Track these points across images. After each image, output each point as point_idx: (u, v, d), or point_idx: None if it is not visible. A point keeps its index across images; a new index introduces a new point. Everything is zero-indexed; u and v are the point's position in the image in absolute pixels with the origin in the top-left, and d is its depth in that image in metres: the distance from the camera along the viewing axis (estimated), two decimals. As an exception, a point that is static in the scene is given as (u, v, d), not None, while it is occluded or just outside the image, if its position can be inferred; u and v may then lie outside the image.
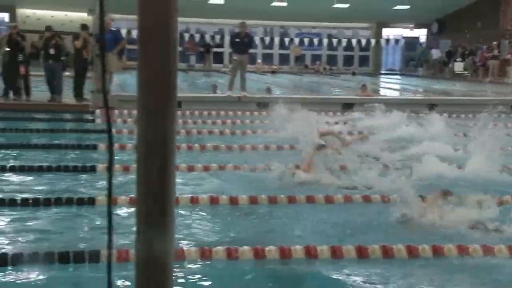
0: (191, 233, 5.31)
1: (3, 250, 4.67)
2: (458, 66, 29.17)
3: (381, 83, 27.53)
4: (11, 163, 7.73)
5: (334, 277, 4.48)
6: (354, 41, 32.81)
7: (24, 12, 29.25)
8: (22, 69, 13.66)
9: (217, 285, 4.35)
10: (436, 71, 31.07)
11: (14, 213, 5.74)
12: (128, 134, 9.88)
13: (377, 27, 34.18)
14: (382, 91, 21.65)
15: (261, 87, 18.04)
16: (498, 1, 28.86)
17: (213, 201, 6.19)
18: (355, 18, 31.93)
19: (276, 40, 32.52)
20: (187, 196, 6.16)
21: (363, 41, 32.84)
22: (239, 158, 8.31)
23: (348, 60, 34.87)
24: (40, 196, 6.14)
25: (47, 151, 8.75)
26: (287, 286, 4.45)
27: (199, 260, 4.58)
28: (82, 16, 24.99)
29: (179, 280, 4.17)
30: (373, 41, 32.90)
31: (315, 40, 32.64)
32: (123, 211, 5.66)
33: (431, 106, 14.48)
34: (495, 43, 26.76)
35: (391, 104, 12.08)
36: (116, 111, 11.72)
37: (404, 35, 35.25)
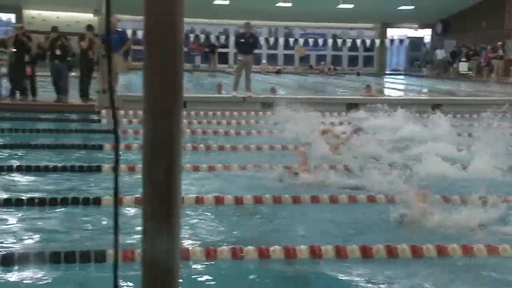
0: (196, 233, 5.33)
1: (9, 250, 4.70)
2: (463, 66, 29.11)
3: (385, 83, 27.50)
4: (18, 163, 7.76)
5: (338, 277, 4.49)
6: (358, 42, 32.78)
7: (30, 13, 29.35)
8: (28, 70, 13.72)
9: (222, 285, 4.36)
10: (440, 71, 31.02)
11: (20, 212, 5.77)
12: (134, 134, 9.94)
13: (382, 27, 34.14)
14: (387, 91, 21.64)
15: (266, 88, 18.05)
16: (502, 1, 28.77)
17: (218, 201, 6.21)
18: (359, 18, 31.90)
19: (281, 40, 32.52)
20: (192, 196, 6.18)
21: (368, 42, 32.82)
22: (244, 158, 8.33)
23: (353, 61, 34.84)
24: (46, 196, 6.17)
25: (53, 151, 8.79)
26: (291, 286, 4.46)
27: (204, 260, 4.59)
28: (88, 17, 25.07)
29: (184, 280, 4.19)
30: (377, 41, 32.86)
31: (320, 41, 32.62)
32: (128, 211, 5.70)
33: (436, 106, 14.46)
34: (499, 43, 26.70)
35: (395, 104, 12.06)
36: (122, 111, 11.76)
37: (408, 35, 35.21)
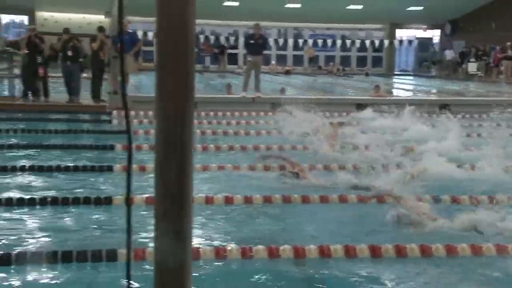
0: (206, 232, 5.36)
1: (21, 249, 4.74)
2: (472, 67, 29.00)
3: (394, 83, 27.44)
4: (30, 163, 7.82)
5: (347, 276, 4.50)
6: (367, 42, 32.74)
7: (43, 15, 29.60)
8: (41, 71, 13.85)
9: (231, 284, 4.39)
10: (450, 72, 30.91)
11: (33, 212, 5.84)
12: (144, 135, 10.02)
13: (391, 28, 34.08)
14: (395, 92, 21.61)
15: (275, 88, 18.09)
16: (511, 2, 28.63)
17: (228, 200, 6.24)
18: (368, 19, 31.86)
19: (290, 41, 32.54)
20: (202, 196, 6.23)
21: (377, 42, 32.76)
22: (253, 158, 8.37)
23: (362, 61, 34.80)
24: (59, 196, 6.25)
25: (65, 151, 8.87)
26: (301, 285, 4.49)
27: (213, 259, 4.63)
28: (99, 18, 25.27)
29: (194, 279, 4.22)
30: (386, 42, 32.80)
31: (329, 41, 32.60)
32: (139, 211, 5.75)
33: (444, 106, 14.44)
34: (508, 43, 26.56)
35: (404, 105, 12.07)
36: (132, 112, 11.85)
37: (417, 36, 35.11)
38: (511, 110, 9.75)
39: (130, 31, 15.25)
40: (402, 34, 34.76)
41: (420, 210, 5.64)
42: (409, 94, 21.67)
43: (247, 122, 12.27)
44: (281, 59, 33.26)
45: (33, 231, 5.32)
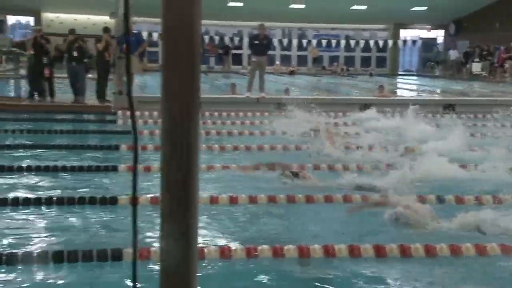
0: (211, 232, 5.38)
1: (27, 249, 4.77)
2: (476, 67, 28.95)
3: (398, 84, 27.42)
4: (36, 163, 7.86)
5: (352, 276, 4.52)
6: (371, 42, 32.70)
7: (48, 16, 29.73)
8: (46, 72, 13.91)
9: (236, 284, 4.41)
10: (454, 72, 30.86)
11: (38, 211, 5.87)
12: (149, 135, 10.06)
13: (395, 28, 34.05)
14: (399, 92, 21.60)
15: (280, 88, 18.10)
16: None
17: (232, 200, 6.26)
18: (372, 19, 31.83)
19: (294, 41, 32.54)
20: (206, 196, 6.25)
21: (381, 42, 32.73)
22: (258, 158, 8.40)
23: (366, 61, 34.79)
24: (64, 195, 6.28)
25: (70, 151, 8.91)
26: (305, 285, 4.50)
27: (218, 259, 4.64)
28: (104, 19, 25.32)
29: (198, 279, 4.24)
30: (390, 42, 32.76)
31: (333, 42, 32.59)
32: (144, 210, 5.78)
33: (448, 106, 14.43)
34: (513, 43, 26.54)
35: (408, 105, 12.07)
36: (137, 112, 11.89)
37: (421, 36, 35.06)
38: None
39: (135, 31, 15.29)
40: (406, 34, 34.73)
41: (419, 211, 5.64)
42: (413, 94, 21.65)
43: (252, 122, 12.28)
44: (285, 60, 33.27)
45: (39, 231, 5.35)
